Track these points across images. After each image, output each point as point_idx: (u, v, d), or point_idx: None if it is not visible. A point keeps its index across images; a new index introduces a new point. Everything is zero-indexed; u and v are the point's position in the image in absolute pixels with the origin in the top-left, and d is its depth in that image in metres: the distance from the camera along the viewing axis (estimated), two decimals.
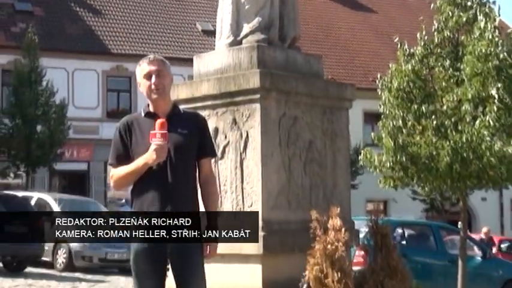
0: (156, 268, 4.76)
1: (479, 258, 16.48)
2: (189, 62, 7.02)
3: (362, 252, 11.02)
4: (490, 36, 9.91)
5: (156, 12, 35.83)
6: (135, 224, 4.76)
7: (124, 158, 4.78)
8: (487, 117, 9.54)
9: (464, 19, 10.47)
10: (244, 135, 6.36)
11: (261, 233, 6.11)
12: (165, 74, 4.91)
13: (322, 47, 29.89)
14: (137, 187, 4.79)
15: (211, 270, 6.35)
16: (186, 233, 4.70)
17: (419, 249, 16.41)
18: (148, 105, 4.89)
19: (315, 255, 5.72)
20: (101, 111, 32.81)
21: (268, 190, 6.17)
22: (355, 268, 7.19)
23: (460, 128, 9.77)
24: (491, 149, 9.48)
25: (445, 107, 10.01)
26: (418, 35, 10.84)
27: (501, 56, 9.79)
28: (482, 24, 10.11)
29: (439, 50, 10.56)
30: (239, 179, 6.35)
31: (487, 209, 35.79)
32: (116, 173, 4.83)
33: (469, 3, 10.61)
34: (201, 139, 4.85)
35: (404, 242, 16.41)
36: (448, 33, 10.58)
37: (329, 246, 5.70)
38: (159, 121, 4.59)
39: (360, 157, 11.63)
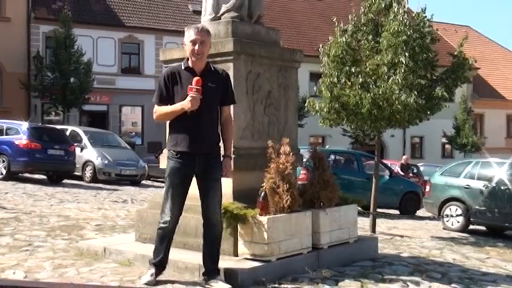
0: (184, 181, 4.98)
1: (387, 177, 16.75)
2: (182, 33, 6.89)
3: (305, 171, 11.17)
4: (401, 19, 9.94)
5: None
6: (176, 152, 4.92)
7: (166, 98, 4.91)
8: (397, 77, 9.61)
9: (382, 5, 10.45)
10: None
11: (232, 156, 6.14)
12: (207, 43, 4.99)
13: (280, 25, 29.68)
14: (174, 125, 4.95)
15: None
16: (210, 161, 5.03)
17: (346, 170, 16.70)
18: (187, 60, 4.96)
19: (270, 172, 5.73)
20: (116, 68, 33.52)
21: (238, 125, 6.16)
22: (300, 182, 7.22)
23: (378, 84, 9.84)
24: (399, 100, 9.56)
25: (368, 69, 10.05)
26: (349, 16, 10.81)
27: (408, 33, 9.83)
28: (395, 10, 10.11)
29: (364, 28, 10.58)
30: None
31: (394, 142, 36.37)
32: (158, 110, 4.95)
33: None
34: (225, 90, 5.03)
35: (335, 165, 16.61)
36: (371, 16, 10.58)
37: (281, 165, 5.71)
38: (195, 78, 4.72)
39: (305, 104, 11.70)
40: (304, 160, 8.52)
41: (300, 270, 5.81)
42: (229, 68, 6.24)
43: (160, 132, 7.73)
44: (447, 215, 13.11)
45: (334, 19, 10.94)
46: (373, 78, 9.96)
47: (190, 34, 5.00)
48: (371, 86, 9.85)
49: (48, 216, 9.63)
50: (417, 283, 5.89)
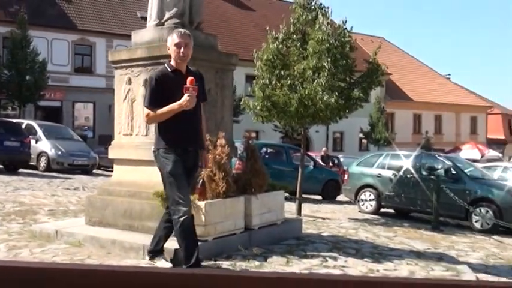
0: (184, 172, 4.67)
1: (311, 167, 16.86)
2: (130, 37, 6.77)
3: (239, 162, 11.11)
4: (324, 29, 10.03)
5: (110, 1, 35.45)
6: (172, 150, 4.64)
7: (159, 101, 4.56)
8: (321, 80, 9.70)
9: (309, 17, 10.53)
10: None
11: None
12: (190, 46, 4.71)
13: (219, 32, 29.53)
14: (169, 124, 4.59)
15: (141, 171, 6.30)
16: (198, 155, 4.91)
17: (276, 160, 16.69)
18: (170, 62, 4.73)
19: (208, 162, 5.72)
20: (70, 68, 32.82)
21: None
22: (235, 171, 7.21)
23: (304, 85, 9.90)
24: (322, 100, 9.65)
25: (295, 72, 10.10)
26: (280, 26, 10.85)
27: (330, 41, 9.94)
28: (320, 21, 10.20)
29: (293, 36, 10.62)
30: None
31: (319, 137, 36.76)
32: (151, 113, 4.61)
33: (312, 7, 10.67)
34: (202, 89, 4.79)
35: (267, 156, 16.64)
36: (299, 26, 10.64)
37: (217, 156, 5.69)
38: (190, 78, 4.53)
39: (241, 103, 11.70)
40: (239, 152, 8.52)
41: (234, 248, 5.83)
42: None
43: (109, 126, 7.61)
44: (362, 200, 13.39)
45: (267, 28, 10.99)
46: (300, 80, 10.03)
47: (174, 38, 4.72)
48: (298, 87, 9.92)
49: (3, 202, 9.30)
50: (335, 258, 5.99)
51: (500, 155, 34.66)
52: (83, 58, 33.21)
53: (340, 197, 16.55)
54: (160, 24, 6.60)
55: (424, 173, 12.66)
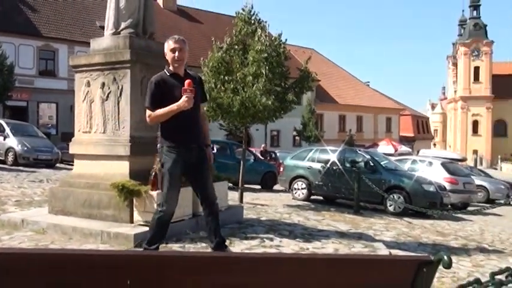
0: (181, 172, 4.53)
1: (252, 160, 16.90)
2: (89, 44, 6.57)
3: None
4: (263, 41, 10.03)
5: (72, 11, 34.41)
6: (174, 148, 4.43)
7: (158, 102, 4.36)
8: (259, 85, 9.71)
9: (249, 30, 10.51)
10: (120, 88, 6.11)
11: (128, 143, 5.95)
12: (185, 50, 4.48)
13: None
14: (170, 124, 4.38)
15: (99, 165, 6.14)
16: (202, 152, 4.63)
17: (221, 155, 16.61)
18: (169, 67, 4.50)
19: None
20: (35, 71, 31.79)
21: (133, 119, 5.98)
22: None
23: (245, 89, 9.88)
24: (260, 102, 9.67)
25: (238, 78, 10.06)
26: (225, 37, 10.79)
27: (268, 51, 9.96)
28: (259, 34, 10.20)
29: (236, 46, 10.57)
30: (116, 112, 6.11)
31: (259, 134, 36.88)
32: (153, 113, 4.40)
33: (252, 22, 10.66)
34: (201, 90, 4.59)
35: (213, 152, 16.54)
36: (241, 37, 10.60)
37: None
38: (187, 81, 4.29)
39: None
40: None
41: (183, 232, 5.77)
42: (127, 74, 6.04)
43: (71, 124, 7.37)
44: (295, 188, 13.52)
45: (213, 39, 10.90)
46: (241, 85, 10.01)
47: (169, 44, 4.50)
48: (240, 91, 9.90)
49: None
50: (271, 239, 6.01)
51: (410, 149, 35.78)
52: (47, 62, 32.32)
53: (276, 187, 16.65)
54: (116, 33, 6.43)
55: (347, 165, 12.90)
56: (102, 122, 6.17)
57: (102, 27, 6.78)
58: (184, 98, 4.21)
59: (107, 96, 6.15)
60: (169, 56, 4.50)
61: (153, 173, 5.55)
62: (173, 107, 4.27)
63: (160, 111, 4.34)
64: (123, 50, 6.13)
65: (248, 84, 9.93)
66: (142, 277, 1.56)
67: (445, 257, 1.80)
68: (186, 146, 4.48)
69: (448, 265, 1.79)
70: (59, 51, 32.07)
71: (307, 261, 1.88)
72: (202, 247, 5.33)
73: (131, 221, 5.67)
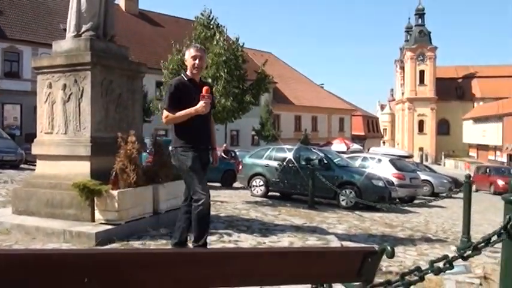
0: (201, 167, 4.56)
1: (211, 159, 16.72)
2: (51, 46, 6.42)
3: (151, 156, 10.80)
4: (221, 44, 10.03)
5: (37, 14, 33.44)
6: (189, 148, 4.47)
7: (176, 105, 4.39)
8: (219, 86, 9.70)
9: (208, 34, 10.48)
10: (81, 89, 5.95)
11: (89, 144, 5.83)
12: (204, 58, 4.61)
13: (132, 44, 28.74)
14: (185, 126, 4.42)
15: (61, 165, 5.98)
16: (208, 153, 4.73)
17: None
18: (186, 73, 4.62)
19: (120, 156, 5.51)
20: (0, 73, 30.24)
21: (94, 120, 5.85)
22: (147, 164, 7.01)
23: None
24: (220, 103, 9.65)
25: None
26: (184, 40, 10.71)
27: (226, 55, 9.96)
28: (217, 38, 10.19)
29: None
30: (77, 113, 5.95)
31: (219, 134, 36.56)
32: (170, 114, 4.42)
33: (211, 26, 10.63)
34: (212, 98, 4.59)
35: None
36: (200, 41, 10.55)
37: (128, 151, 5.51)
38: (205, 87, 4.40)
39: (151, 105, 11.43)
40: (150, 147, 8.32)
41: (144, 230, 5.70)
42: (88, 76, 5.91)
43: (35, 125, 7.08)
44: (253, 186, 13.55)
45: (172, 42, 10.81)
46: None
47: (191, 52, 4.57)
48: None
49: None
50: (230, 234, 6.00)
51: (362, 147, 36.44)
52: (11, 64, 31.29)
53: (236, 184, 16.65)
54: (77, 35, 6.27)
55: (302, 163, 13.02)
56: (63, 123, 6.01)
57: (65, 30, 6.59)
58: (202, 103, 4.30)
59: (68, 98, 6.00)
60: (189, 62, 4.58)
61: (114, 173, 5.47)
62: (191, 110, 4.34)
63: (179, 113, 4.39)
64: (84, 52, 5.99)
65: None
66: (100, 275, 1.53)
67: (388, 248, 1.85)
68: (199, 147, 4.56)
69: (391, 255, 1.85)
70: (23, 52, 31.08)
71: (264, 254, 1.90)
72: (163, 244, 5.28)
73: (93, 220, 5.56)
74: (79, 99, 5.92)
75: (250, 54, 40.17)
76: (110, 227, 5.36)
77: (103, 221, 5.45)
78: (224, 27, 10.78)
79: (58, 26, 32.73)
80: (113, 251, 2.18)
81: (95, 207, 5.53)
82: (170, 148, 4.65)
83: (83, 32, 6.26)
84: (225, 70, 9.87)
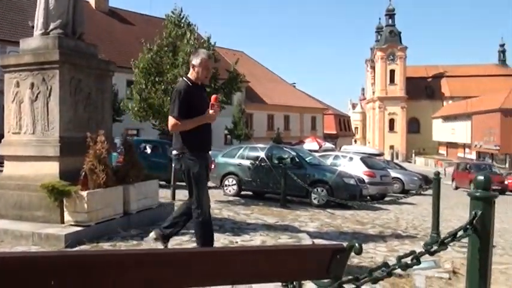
0: (206, 173, 4.66)
1: None
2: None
3: (120, 156, 10.71)
4: (192, 43, 9.97)
5: (4, 11, 32.80)
6: (197, 154, 4.49)
7: (185, 111, 4.38)
8: None
9: (179, 33, 10.40)
10: (49, 88, 5.84)
11: (58, 144, 5.72)
12: (210, 67, 4.77)
13: (103, 43, 28.31)
14: (193, 132, 4.43)
15: (29, 166, 5.86)
16: (209, 159, 4.79)
17: (154, 154, 16.32)
18: (190, 78, 4.59)
19: (89, 156, 5.43)
20: None
21: (63, 120, 5.75)
22: (118, 164, 6.94)
23: None
24: None
25: (168, 79, 9.94)
26: (155, 39, 10.62)
27: None
28: (188, 36, 10.12)
29: (166, 48, 10.42)
30: (46, 112, 5.84)
31: None
32: (180, 122, 4.39)
33: (182, 24, 10.56)
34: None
35: (146, 151, 16.24)
36: (171, 39, 10.46)
37: (97, 151, 5.44)
38: (214, 96, 4.50)
39: (121, 104, 11.31)
40: (120, 147, 8.24)
41: (114, 231, 5.64)
42: (56, 74, 5.80)
43: (3, 125, 6.83)
44: (226, 185, 13.53)
45: (143, 40, 10.70)
46: (172, 85, 9.89)
47: (203, 59, 4.55)
48: (170, 91, 9.76)
49: None
50: None
51: (334, 146, 36.81)
52: None
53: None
54: (45, 33, 6.14)
55: (275, 161, 13.08)
56: (31, 123, 5.90)
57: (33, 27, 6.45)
58: (211, 112, 4.38)
59: (36, 97, 5.88)
60: (199, 70, 4.56)
61: (83, 173, 5.39)
62: (201, 118, 4.42)
63: (190, 122, 4.40)
64: (52, 50, 5.88)
65: None
66: (67, 277, 1.52)
67: (356, 244, 1.89)
68: (205, 153, 4.65)
69: (359, 251, 1.89)
70: None
71: (235, 253, 1.91)
72: (134, 245, 5.23)
73: (62, 222, 5.47)
74: (47, 99, 5.82)
75: (222, 53, 40.03)
76: (79, 228, 5.29)
77: (72, 223, 5.37)
78: (195, 25, 10.72)
79: (26, 23, 32.05)
80: (81, 253, 2.16)
81: (64, 209, 5.44)
82: (175, 152, 4.60)
83: (51, 30, 6.15)
84: None
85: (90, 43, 6.83)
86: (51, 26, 6.16)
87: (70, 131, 5.84)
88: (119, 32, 38.44)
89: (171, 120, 4.43)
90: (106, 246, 5.10)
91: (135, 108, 10.00)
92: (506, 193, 27.88)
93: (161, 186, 8.92)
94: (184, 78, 4.71)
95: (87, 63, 6.24)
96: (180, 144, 4.52)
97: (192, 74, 4.60)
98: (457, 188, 29.11)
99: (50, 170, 5.74)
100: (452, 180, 30.79)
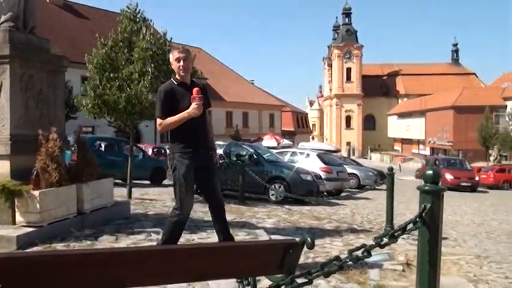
0: (193, 175, 4.42)
1: (140, 156, 16.53)
2: None
3: (74, 154, 10.46)
4: (148, 38, 9.84)
5: None
6: (186, 153, 4.35)
7: (168, 111, 4.30)
8: (145, 82, 9.52)
9: (135, 28, 10.24)
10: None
11: (9, 142, 5.55)
12: (189, 59, 4.54)
13: (56, 37, 27.52)
14: (179, 130, 4.33)
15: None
16: (209, 154, 4.58)
17: (109, 152, 16.05)
18: (176, 77, 4.50)
19: (41, 155, 5.30)
20: None
21: (14, 117, 5.57)
22: (71, 162, 6.79)
23: (131, 87, 9.62)
24: (147, 99, 9.50)
25: (123, 75, 9.77)
26: (109, 34, 10.42)
27: (153, 49, 9.79)
28: (143, 32, 9.99)
29: (121, 44, 10.23)
30: None
31: (148, 131, 36.07)
32: (163, 122, 4.32)
33: (137, 19, 10.40)
34: (207, 98, 4.46)
35: (101, 149, 15.94)
36: (126, 35, 10.28)
37: (50, 149, 5.31)
38: (195, 89, 4.30)
39: (75, 101, 11.05)
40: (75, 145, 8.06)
41: (68, 231, 5.52)
42: (7, 69, 5.61)
43: None
44: None
45: (97, 35, 10.47)
46: (127, 82, 9.73)
47: (174, 54, 4.43)
48: (126, 88, 9.61)
49: None
50: (158, 232, 5.92)
51: (291, 143, 37.20)
52: None
53: (166, 181, 16.44)
54: None
55: (233, 158, 13.11)
56: None
57: None
58: (194, 105, 4.23)
59: None
60: (175, 65, 4.47)
61: (35, 172, 5.26)
62: (184, 114, 4.26)
63: (171, 119, 4.29)
64: (2, 44, 5.67)
65: (134, 82, 9.68)
66: (18, 279, 1.49)
67: (308, 239, 1.94)
68: (196, 151, 4.44)
69: (311, 246, 1.94)
70: None
71: (190, 251, 1.93)
72: (88, 245, 5.14)
73: (13, 223, 5.30)
74: None
75: None
76: (31, 229, 5.14)
77: (24, 224, 5.22)
78: (151, 21, 10.57)
79: None
80: (32, 254, 2.12)
81: (16, 209, 5.27)
82: (168, 153, 4.54)
83: (1, 23, 5.94)
84: (152, 65, 9.68)
85: (42, 37, 6.64)
86: (1, 18, 5.95)
87: (21, 129, 5.66)
88: (73, 26, 37.42)
89: (157, 121, 4.41)
90: (59, 247, 4.99)
91: (89, 105, 9.76)
92: (480, 189, 26.47)
93: (117, 184, 8.79)
94: (172, 78, 4.63)
95: (39, 58, 6.06)
96: (170, 145, 4.49)
97: (176, 74, 4.56)
98: None
99: (1, 169, 5.56)
100: (421, 177, 29.98)
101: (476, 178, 26.66)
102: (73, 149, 8.38)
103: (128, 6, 10.53)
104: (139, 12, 10.53)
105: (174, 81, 4.52)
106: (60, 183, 5.41)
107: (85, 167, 5.97)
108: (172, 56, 4.51)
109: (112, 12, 39.60)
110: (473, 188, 25.23)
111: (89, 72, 10.06)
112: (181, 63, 4.43)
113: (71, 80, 23.74)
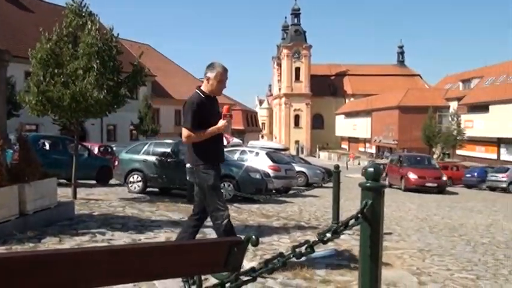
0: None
1: (86, 155, 16.14)
2: None
3: (16, 153, 10.08)
4: (93, 34, 9.62)
5: None
6: (212, 166, 4.39)
7: (198, 123, 4.32)
8: (90, 78, 9.30)
9: (80, 22, 9.98)
10: None
11: None
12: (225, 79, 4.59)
13: None
14: (206, 143, 4.35)
15: None
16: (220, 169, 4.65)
17: (53, 151, 15.55)
18: (203, 90, 4.49)
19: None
20: None
21: None
22: (13, 162, 6.53)
23: (76, 83, 9.37)
24: (92, 96, 9.28)
25: (68, 71, 9.49)
26: (54, 28, 10.09)
27: (99, 45, 9.58)
28: (89, 27, 9.74)
29: (65, 38, 9.93)
30: None
31: (95, 129, 35.24)
32: (194, 133, 4.32)
33: (83, 14, 10.14)
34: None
35: (45, 147, 15.44)
36: (71, 29, 10.00)
37: None
38: (226, 106, 4.46)
39: (17, 97, 10.66)
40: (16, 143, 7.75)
41: (10, 233, 5.32)
42: None
43: None
44: (131, 182, 13.22)
45: (41, 29, 10.11)
46: (72, 78, 9.45)
47: (222, 73, 4.45)
48: (70, 84, 9.34)
49: None
50: (103, 233, 5.85)
51: (241, 141, 37.27)
52: None
53: (112, 181, 16.11)
54: None
55: (181, 157, 13.00)
56: None
57: None
58: (224, 122, 4.36)
59: None
60: (215, 83, 4.46)
61: None
62: (214, 129, 4.36)
63: (203, 133, 4.34)
64: None
65: (79, 78, 9.42)
66: None
67: (253, 237, 1.98)
68: (218, 164, 4.55)
69: (256, 243, 1.98)
70: None
71: (134, 251, 1.92)
72: (31, 247, 4.98)
73: None
74: None
75: (127, 45, 38.88)
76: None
77: None
78: (97, 15, 10.32)
79: None
80: None
81: None
82: (188, 166, 4.49)
83: None
84: (98, 61, 9.46)
85: None
86: None
87: None
88: (16, 19, 35.83)
89: (185, 132, 4.38)
90: (1, 250, 4.80)
91: (33, 102, 9.42)
92: (448, 189, 23.85)
93: (61, 184, 8.55)
94: (197, 90, 4.58)
95: None
96: (193, 157, 4.45)
97: (205, 86, 4.51)
98: (390, 185, 23.62)
99: None
100: (386, 176, 24.42)
101: (444, 178, 23.30)
102: (15, 147, 8.08)
103: (73, 0, 10.24)
104: (84, 6, 10.27)
105: (202, 94, 4.53)
106: (1, 184, 5.22)
107: (27, 167, 5.77)
108: (217, 74, 4.48)
109: (59, 6, 38.26)
110: (440, 189, 22.19)
111: (32, 67, 9.71)
112: (224, 84, 4.58)
113: (13, 75, 22.74)
